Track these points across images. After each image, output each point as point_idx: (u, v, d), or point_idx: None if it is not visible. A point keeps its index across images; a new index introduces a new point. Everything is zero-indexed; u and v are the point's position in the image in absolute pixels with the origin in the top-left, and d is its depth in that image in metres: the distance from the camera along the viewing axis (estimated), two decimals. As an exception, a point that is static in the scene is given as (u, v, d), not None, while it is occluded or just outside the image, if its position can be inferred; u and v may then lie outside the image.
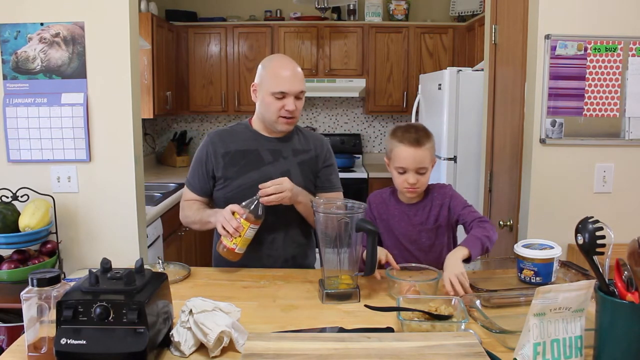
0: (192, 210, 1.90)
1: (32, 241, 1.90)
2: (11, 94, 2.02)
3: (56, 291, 1.14)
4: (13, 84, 2.02)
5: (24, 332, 1.16)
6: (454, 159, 3.37)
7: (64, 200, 2.05)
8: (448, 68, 3.35)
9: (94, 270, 1.16)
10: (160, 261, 1.81)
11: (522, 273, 1.61)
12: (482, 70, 2.75)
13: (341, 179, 2.01)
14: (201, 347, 1.20)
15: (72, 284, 1.18)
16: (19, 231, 1.87)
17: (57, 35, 1.99)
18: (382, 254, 1.63)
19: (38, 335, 1.15)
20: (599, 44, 2.02)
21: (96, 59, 2.01)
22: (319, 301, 1.53)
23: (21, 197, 1.95)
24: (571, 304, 1.08)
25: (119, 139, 2.05)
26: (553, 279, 1.59)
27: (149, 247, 2.61)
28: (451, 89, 3.29)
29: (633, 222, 2.04)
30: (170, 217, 3.24)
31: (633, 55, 2.02)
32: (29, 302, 1.14)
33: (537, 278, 1.58)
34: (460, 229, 1.81)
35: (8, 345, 1.37)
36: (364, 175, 4.45)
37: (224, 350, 1.19)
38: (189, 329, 1.19)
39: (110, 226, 2.09)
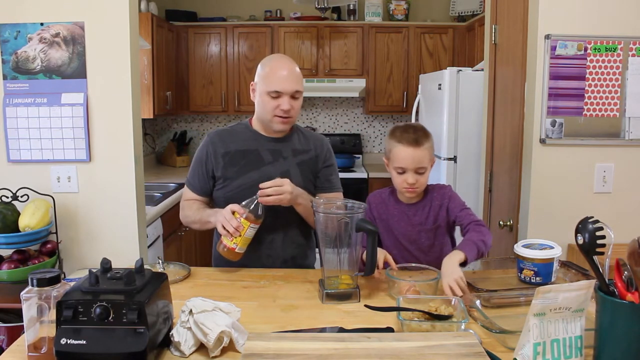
0: (192, 210, 1.90)
1: (32, 241, 1.90)
2: (11, 94, 2.02)
3: (56, 291, 1.14)
4: (13, 84, 2.02)
5: (24, 332, 1.16)
6: (454, 159, 3.37)
7: (64, 200, 2.05)
8: (448, 68, 3.35)
9: (94, 270, 1.16)
10: (160, 261, 1.81)
11: (522, 273, 1.61)
12: (482, 70, 2.75)
13: (341, 179, 2.01)
14: (201, 347, 1.20)
15: (72, 284, 1.18)
16: (19, 231, 1.87)
17: (57, 35, 1.99)
18: (380, 255, 1.63)
19: (38, 335, 1.15)
20: (599, 44, 2.02)
21: (96, 59, 2.01)
22: (319, 301, 1.53)
23: (21, 197, 1.95)
24: (571, 304, 1.08)
25: (119, 139, 2.05)
26: (553, 279, 1.59)
27: (149, 247, 2.61)
28: (451, 89, 3.29)
29: (633, 222, 2.04)
30: (170, 217, 3.24)
31: (633, 55, 2.02)
32: (29, 302, 1.14)
33: (537, 278, 1.58)
34: (458, 230, 1.81)
35: (8, 345, 1.37)
36: (364, 175, 4.45)
37: (224, 350, 1.19)
38: (189, 329, 1.19)
39: (110, 226, 2.09)
